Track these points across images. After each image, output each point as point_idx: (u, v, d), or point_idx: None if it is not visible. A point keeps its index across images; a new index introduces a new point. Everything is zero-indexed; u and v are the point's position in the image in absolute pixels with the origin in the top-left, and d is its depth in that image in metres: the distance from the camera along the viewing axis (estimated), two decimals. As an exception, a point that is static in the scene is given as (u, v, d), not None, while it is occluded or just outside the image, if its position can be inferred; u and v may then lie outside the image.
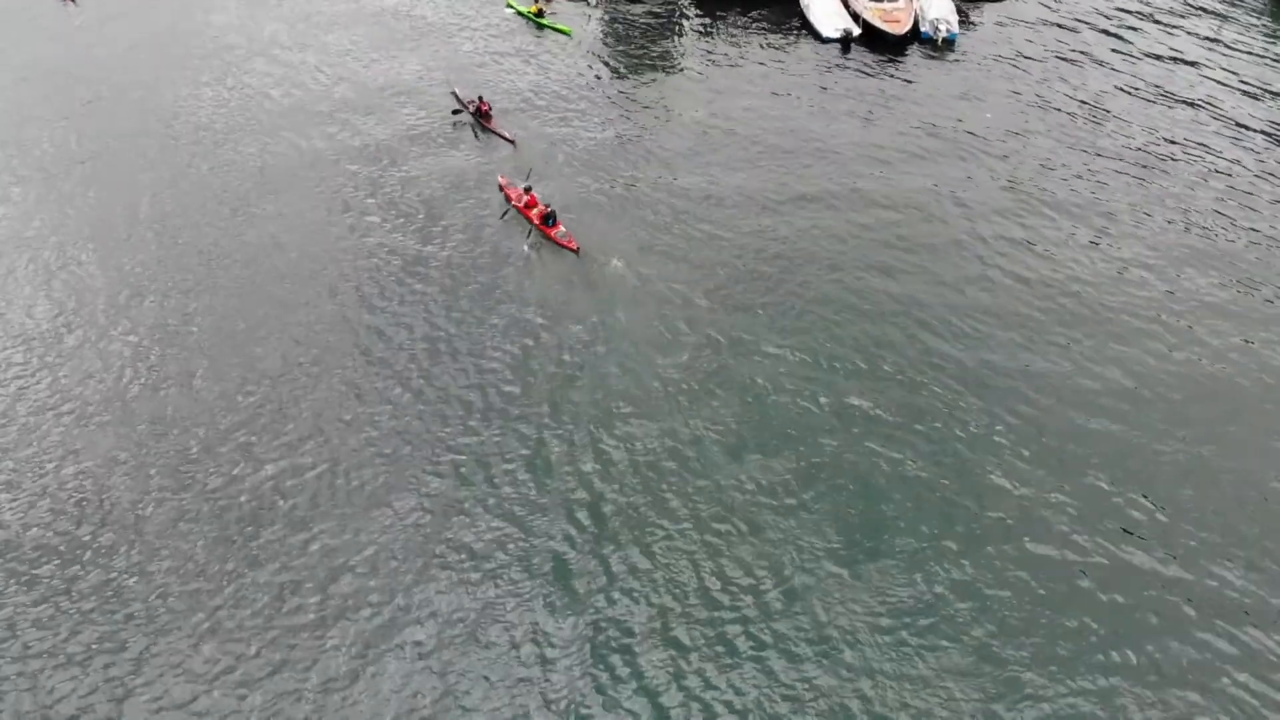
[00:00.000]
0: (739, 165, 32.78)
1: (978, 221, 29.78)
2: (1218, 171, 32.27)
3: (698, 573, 19.92)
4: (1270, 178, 31.88)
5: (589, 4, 43.40)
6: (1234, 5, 42.73)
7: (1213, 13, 42.06)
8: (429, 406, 23.66)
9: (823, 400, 23.63)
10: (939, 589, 19.30)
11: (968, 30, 40.15)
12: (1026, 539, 20.35)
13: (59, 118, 36.49)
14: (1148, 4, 42.78)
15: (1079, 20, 41.47)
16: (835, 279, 27.36)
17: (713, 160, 32.89)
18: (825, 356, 24.89)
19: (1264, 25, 41.24)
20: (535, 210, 28.76)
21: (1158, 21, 41.07)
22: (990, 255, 28.47)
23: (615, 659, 18.51)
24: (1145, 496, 21.28)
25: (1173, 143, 33.70)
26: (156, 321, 26.60)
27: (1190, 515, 20.82)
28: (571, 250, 27.82)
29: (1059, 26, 41.06)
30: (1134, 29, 40.79)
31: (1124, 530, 20.58)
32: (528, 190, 29.38)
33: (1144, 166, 32.56)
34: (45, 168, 33.61)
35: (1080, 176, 32.04)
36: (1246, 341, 25.22)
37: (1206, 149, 33.45)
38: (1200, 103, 36.04)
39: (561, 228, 28.45)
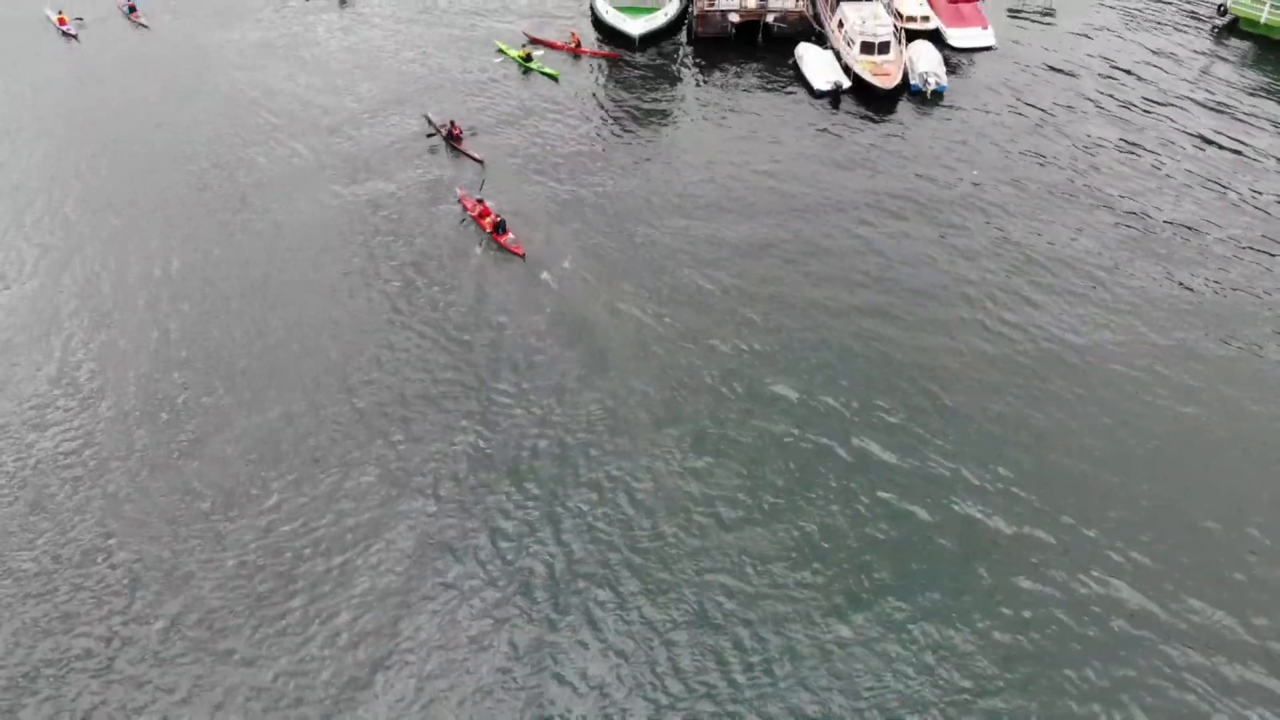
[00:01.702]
0: (699, 190, 34.36)
1: (960, 266, 30.27)
2: (1203, 223, 32.29)
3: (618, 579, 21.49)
4: (1251, 228, 32.15)
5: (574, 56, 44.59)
6: (1215, 58, 43.76)
7: (1196, 66, 42.74)
8: (377, 386, 26.45)
9: (724, 377, 25.98)
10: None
11: (956, 82, 40.65)
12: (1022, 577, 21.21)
13: (87, 160, 37.96)
14: (1133, 56, 43.10)
15: (1065, 72, 41.76)
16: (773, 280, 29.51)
17: (673, 184, 34.81)
18: (727, 322, 28.13)
19: (1245, 77, 42.14)
20: (488, 219, 31.62)
21: (1141, 77, 41.34)
22: (962, 295, 29.15)
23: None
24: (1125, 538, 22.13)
25: (1158, 193, 33.82)
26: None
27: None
28: (518, 255, 30.82)
29: (1046, 77, 41.37)
30: (1120, 80, 41.05)
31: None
32: (479, 201, 32.28)
33: (1132, 215, 32.67)
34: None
35: (1065, 226, 32.08)
36: (1220, 387, 26.22)
37: (1191, 197, 33.60)
38: (1182, 151, 36.14)
39: (510, 235, 31.30)
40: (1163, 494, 22.80)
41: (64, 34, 47.56)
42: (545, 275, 30.16)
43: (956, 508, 22.54)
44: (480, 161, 36.09)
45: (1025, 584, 20.94)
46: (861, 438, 24.50)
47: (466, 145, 36.79)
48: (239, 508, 23.22)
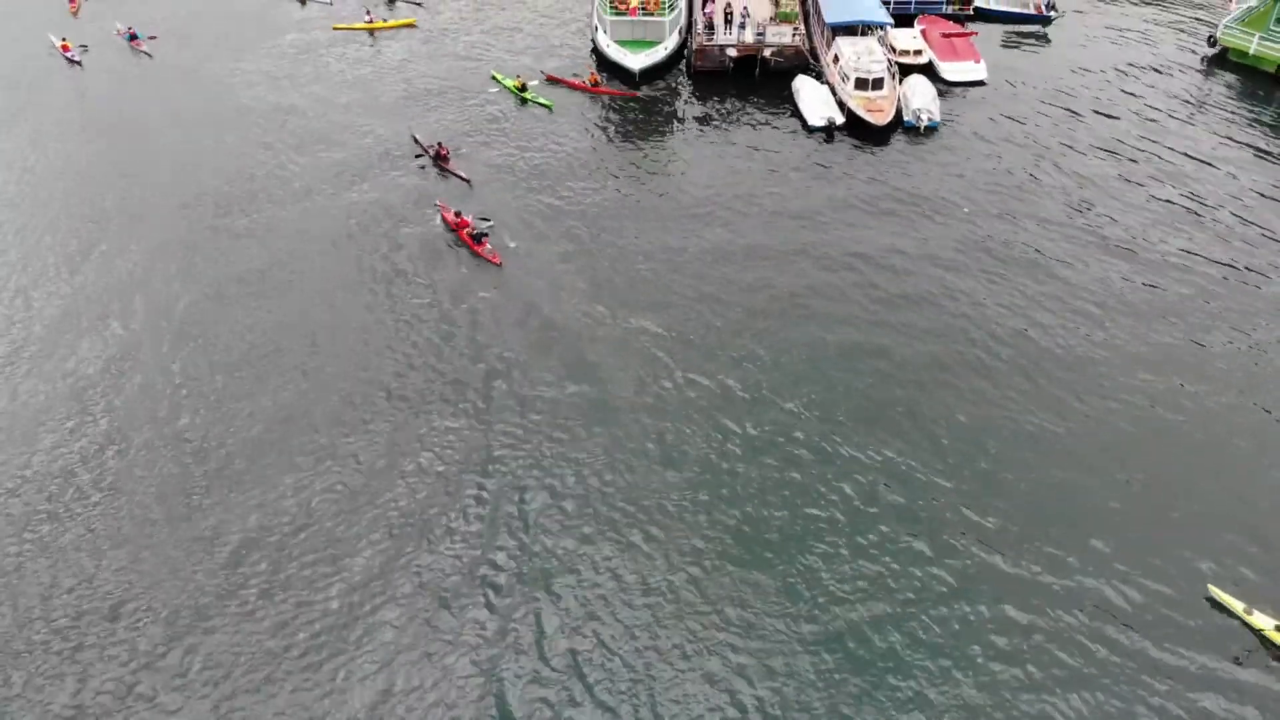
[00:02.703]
0: (683, 212, 35.72)
1: (950, 298, 31.13)
2: (1194, 255, 33.05)
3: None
4: (1238, 258, 32.87)
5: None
6: (1206, 89, 44.53)
7: (1186, 96, 43.17)
8: (352, 380, 28.64)
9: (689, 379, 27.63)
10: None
11: (949, 116, 41.18)
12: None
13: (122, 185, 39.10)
14: (1123, 86, 43.83)
15: (1056, 105, 42.37)
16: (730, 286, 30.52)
17: (656, 205, 36.25)
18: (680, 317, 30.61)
19: (1235, 107, 42.78)
20: (465, 230, 33.64)
21: (1131, 108, 41.77)
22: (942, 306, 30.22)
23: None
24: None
25: (1150, 225, 34.48)
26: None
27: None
28: (494, 264, 32.75)
29: (1038, 110, 41.96)
30: (1110, 112, 41.77)
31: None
32: (458, 214, 34.37)
33: (1123, 249, 33.36)
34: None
35: (1058, 259, 32.76)
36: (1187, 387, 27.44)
37: (1182, 228, 34.33)
38: (1173, 182, 36.95)
39: (488, 245, 33.27)
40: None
41: (68, 60, 48.23)
42: (512, 244, 33.52)
43: (967, 562, 23.20)
44: (468, 181, 37.52)
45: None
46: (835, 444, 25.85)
47: (454, 165, 38.26)
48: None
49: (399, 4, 53.07)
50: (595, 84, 43.33)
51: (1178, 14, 50.76)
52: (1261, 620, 21.31)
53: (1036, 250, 33.55)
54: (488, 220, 34.18)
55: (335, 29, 50.27)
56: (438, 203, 35.78)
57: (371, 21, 50.20)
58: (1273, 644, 21.09)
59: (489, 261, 33.01)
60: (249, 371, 29.17)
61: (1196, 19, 49.84)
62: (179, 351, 29.98)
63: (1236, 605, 21.67)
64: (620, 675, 20.92)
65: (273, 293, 32.40)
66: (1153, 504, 24.25)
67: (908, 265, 32.86)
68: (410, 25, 50.49)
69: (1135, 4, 51.70)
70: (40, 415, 27.87)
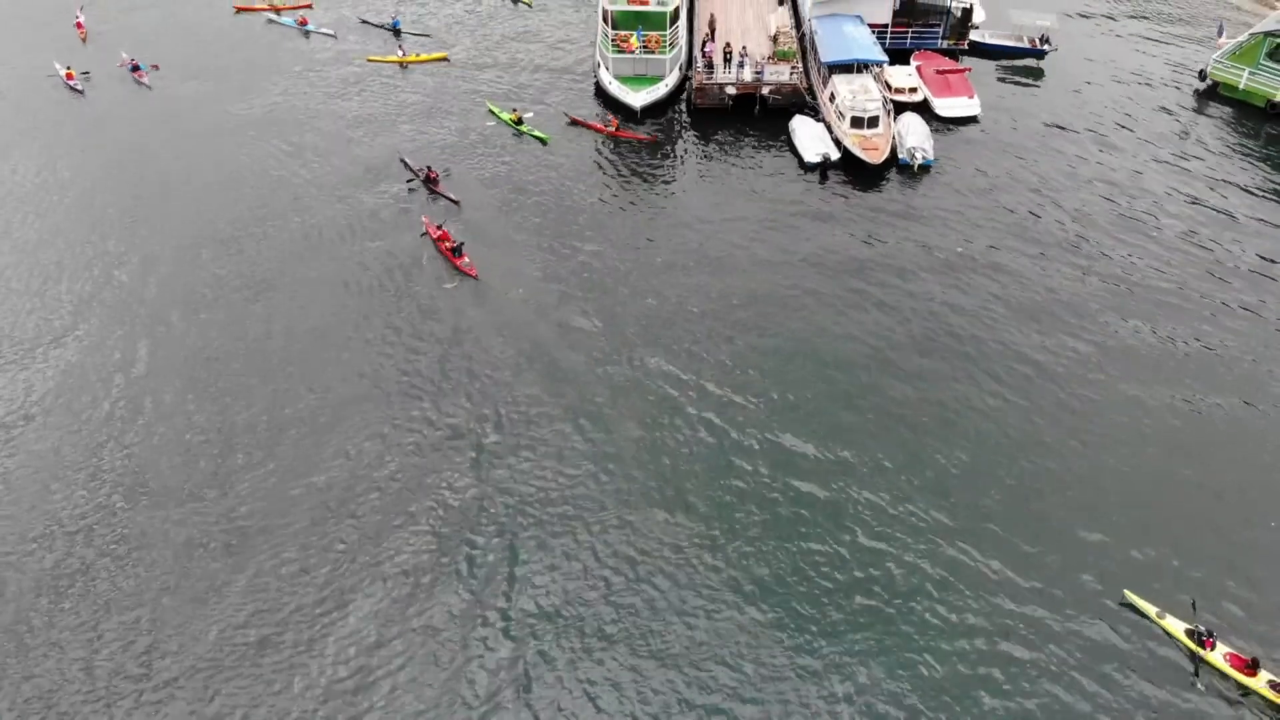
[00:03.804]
0: (669, 239, 37.31)
1: (942, 338, 32.18)
2: (1188, 288, 34.21)
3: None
4: (1230, 292, 34.03)
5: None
6: (1196, 123, 45.42)
7: (1177, 130, 44.06)
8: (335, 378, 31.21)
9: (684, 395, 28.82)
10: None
11: (943, 153, 41.99)
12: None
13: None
14: (1115, 121, 44.70)
15: (1048, 141, 43.20)
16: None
17: (641, 229, 38.02)
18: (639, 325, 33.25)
19: (1226, 141, 43.52)
20: (446, 244, 36.01)
21: (1122, 143, 42.73)
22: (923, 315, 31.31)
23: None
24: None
25: (1142, 259, 35.59)
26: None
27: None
28: (472, 276, 35.06)
29: (1029, 147, 42.80)
30: (1102, 147, 42.68)
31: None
32: (439, 227, 36.75)
33: (1117, 281, 34.51)
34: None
35: (1051, 297, 33.77)
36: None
37: (1175, 262, 35.51)
38: (1165, 216, 38.05)
39: (466, 258, 35.51)
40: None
41: (71, 88, 49.35)
42: (518, 291, 34.94)
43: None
44: (456, 202, 39.42)
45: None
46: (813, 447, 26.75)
47: (443, 187, 40.02)
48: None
49: (428, 39, 53.46)
50: (616, 128, 43.91)
51: (1170, 47, 51.65)
52: (1172, 624, 23.34)
53: (1031, 286, 34.60)
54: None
55: (369, 60, 50.95)
56: (423, 219, 37.76)
57: (404, 55, 51.17)
58: (1181, 644, 23.14)
59: (466, 274, 35.24)
60: (214, 379, 31.35)
61: (1188, 53, 50.71)
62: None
63: (1150, 609, 23.72)
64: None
65: (241, 303, 34.81)
66: (1086, 518, 26.28)
67: (898, 302, 33.82)
68: (443, 59, 50.97)
69: (1128, 37, 52.57)
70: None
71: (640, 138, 43.89)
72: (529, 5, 57.09)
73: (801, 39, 49.09)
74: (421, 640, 23.77)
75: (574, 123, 44.86)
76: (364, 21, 55.12)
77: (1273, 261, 35.94)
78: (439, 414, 29.85)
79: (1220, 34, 48.91)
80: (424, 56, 51.16)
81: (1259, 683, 22.05)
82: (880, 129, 41.92)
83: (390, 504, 27.16)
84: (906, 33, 49.40)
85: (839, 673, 22.74)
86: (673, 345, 32.25)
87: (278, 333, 33.33)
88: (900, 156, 41.48)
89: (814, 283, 35.00)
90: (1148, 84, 48.15)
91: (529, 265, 36.11)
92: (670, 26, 45.86)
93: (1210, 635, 22.66)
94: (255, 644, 23.78)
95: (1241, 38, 46.68)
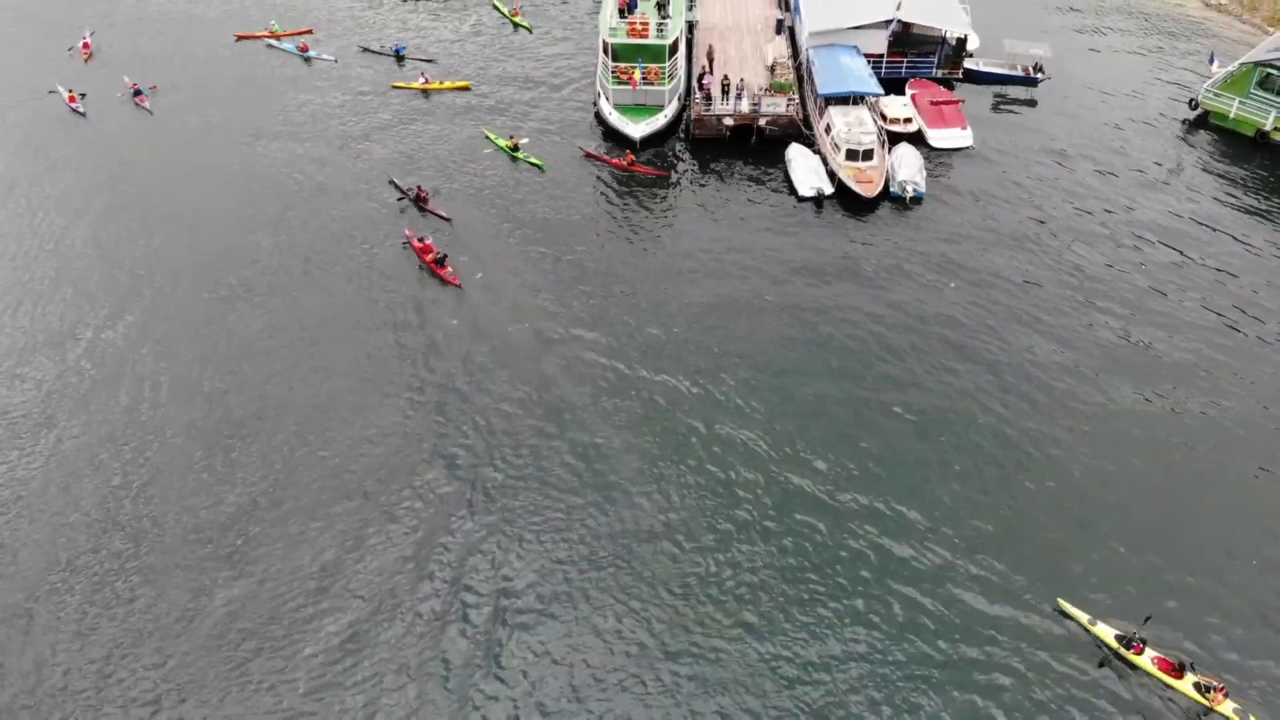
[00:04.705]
0: (657, 263, 38.66)
1: (934, 372, 32.87)
2: (1180, 320, 35.17)
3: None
4: (1221, 330, 34.94)
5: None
6: (1187, 152, 45.99)
7: (1169, 159, 44.75)
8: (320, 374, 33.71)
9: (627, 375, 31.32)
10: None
11: (935, 185, 42.61)
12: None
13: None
14: (1106, 150, 45.36)
15: (1040, 171, 43.86)
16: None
17: (635, 257, 39.13)
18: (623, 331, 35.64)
19: (1216, 170, 44.15)
20: (430, 255, 37.92)
21: (1114, 171, 43.58)
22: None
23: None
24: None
25: (1133, 291, 36.48)
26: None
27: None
28: (454, 285, 37.11)
29: (1022, 177, 43.42)
30: (1093, 177, 43.35)
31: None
32: (421, 239, 38.58)
33: (1109, 313, 35.45)
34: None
35: (1041, 333, 34.48)
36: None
37: (1166, 293, 36.42)
38: (1157, 246, 38.93)
39: (449, 269, 37.50)
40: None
41: (73, 110, 50.11)
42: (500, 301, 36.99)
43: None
44: (448, 220, 40.83)
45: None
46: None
47: (434, 206, 41.39)
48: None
49: (433, 64, 53.86)
50: (631, 163, 44.35)
51: (1163, 75, 52.27)
52: (1103, 630, 25.11)
53: (1022, 320, 35.46)
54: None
55: (394, 87, 51.54)
56: (406, 231, 39.59)
57: (427, 83, 51.51)
58: (1111, 649, 24.94)
59: (449, 283, 37.16)
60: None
61: (1180, 82, 51.36)
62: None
63: (1083, 617, 25.48)
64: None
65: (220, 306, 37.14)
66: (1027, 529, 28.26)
67: (891, 339, 34.61)
68: (465, 89, 51.26)
69: (1121, 66, 53.18)
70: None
71: (654, 173, 44.36)
72: (529, 30, 57.69)
73: (799, 68, 49.75)
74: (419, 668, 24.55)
75: (589, 157, 45.29)
76: (364, 49, 55.72)
77: (1256, 290, 36.92)
78: (437, 456, 30.81)
79: (1211, 63, 49.55)
80: (447, 84, 51.56)
81: (1185, 685, 23.89)
82: (874, 161, 42.60)
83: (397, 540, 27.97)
84: (902, 62, 50.07)
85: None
86: (661, 361, 33.95)
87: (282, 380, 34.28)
88: (892, 189, 42.16)
89: (802, 311, 35.98)
90: (1140, 113, 48.79)
91: (518, 278, 37.88)
92: (670, 58, 46.54)
93: (1141, 641, 24.43)
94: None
95: (1231, 67, 47.37)
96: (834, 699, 23.97)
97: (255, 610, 26.32)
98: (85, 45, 56.32)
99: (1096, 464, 29.97)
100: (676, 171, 45.18)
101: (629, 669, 24.76)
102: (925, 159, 44.13)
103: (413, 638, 25.59)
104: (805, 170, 43.14)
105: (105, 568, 27.61)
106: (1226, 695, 23.54)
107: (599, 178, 44.37)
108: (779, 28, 52.59)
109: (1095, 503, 28.80)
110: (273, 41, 56.65)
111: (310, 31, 57.74)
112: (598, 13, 52.66)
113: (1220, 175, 44.11)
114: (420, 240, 38.64)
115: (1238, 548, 27.39)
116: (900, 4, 47.93)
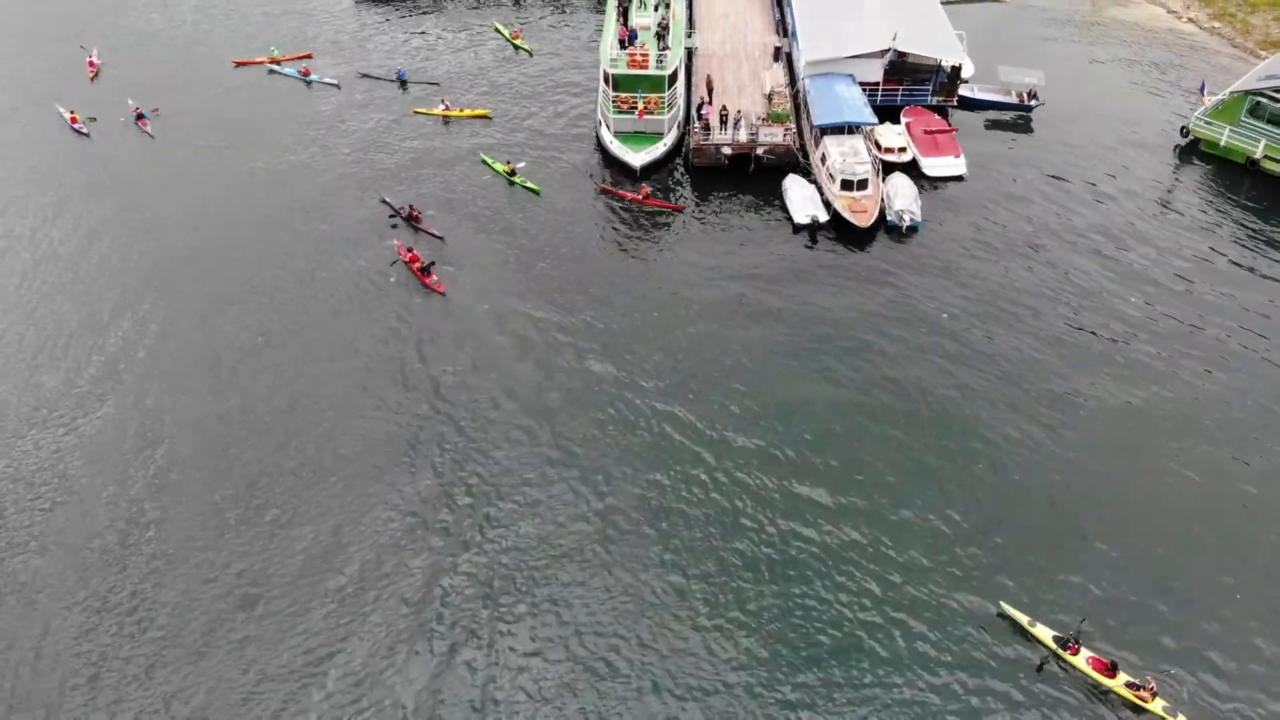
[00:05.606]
0: (645, 288, 39.66)
1: (929, 400, 33.75)
2: (1175, 346, 36.11)
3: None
4: (1212, 350, 35.96)
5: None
6: (1178, 179, 46.72)
7: (1160, 187, 45.40)
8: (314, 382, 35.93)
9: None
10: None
11: (930, 214, 43.15)
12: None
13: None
14: (1099, 176, 45.98)
15: (1034, 199, 44.48)
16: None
17: (628, 278, 40.30)
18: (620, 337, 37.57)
19: (1206, 197, 44.77)
20: (416, 264, 39.97)
21: (1106, 199, 44.29)
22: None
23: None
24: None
25: (1125, 319, 37.28)
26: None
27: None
28: (439, 293, 38.95)
29: (1015, 205, 44.03)
30: (1085, 204, 43.98)
31: None
32: (409, 250, 40.69)
33: (1105, 339, 36.31)
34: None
35: (1037, 361, 35.35)
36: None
37: (1160, 320, 37.35)
38: (1149, 271, 39.75)
39: (434, 276, 39.54)
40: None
41: (76, 131, 50.74)
42: (485, 307, 38.89)
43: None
44: (440, 238, 42.25)
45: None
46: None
47: (426, 224, 42.89)
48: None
49: (436, 86, 54.48)
50: (646, 196, 44.72)
51: (1155, 103, 52.80)
52: (1042, 631, 26.68)
53: (1018, 352, 36.29)
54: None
55: (416, 112, 52.15)
56: (395, 241, 41.55)
57: (448, 109, 52.00)
58: (1049, 649, 26.54)
59: (434, 290, 39.03)
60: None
61: (1172, 109, 51.90)
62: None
63: (1023, 619, 27.05)
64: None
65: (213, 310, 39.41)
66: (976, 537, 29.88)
67: (884, 370, 35.37)
68: (484, 116, 51.68)
69: (1114, 94, 53.75)
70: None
71: (669, 206, 44.79)
72: (530, 53, 58.29)
73: (796, 95, 50.38)
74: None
75: (604, 191, 45.58)
76: (364, 75, 56.25)
77: (1247, 318, 37.89)
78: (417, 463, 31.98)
79: (1202, 91, 50.16)
80: (467, 112, 51.96)
81: (1117, 683, 25.45)
82: (869, 191, 43.21)
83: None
84: (898, 89, 50.69)
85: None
86: (648, 377, 35.69)
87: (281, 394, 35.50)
88: (888, 219, 42.77)
89: (796, 341, 36.77)
90: (1133, 140, 49.35)
91: (509, 290, 39.68)
92: (669, 88, 47.17)
93: (1076, 641, 25.96)
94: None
95: (1222, 95, 47.97)
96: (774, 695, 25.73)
97: (241, 609, 28.40)
98: (91, 64, 56.86)
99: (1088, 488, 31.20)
100: (676, 198, 45.82)
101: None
102: (920, 187, 44.71)
103: (383, 660, 26.94)
104: (801, 199, 43.76)
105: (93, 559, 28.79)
106: (1155, 694, 24.95)
107: (595, 204, 45.00)
108: (777, 55, 53.24)
109: (1084, 519, 30.28)
110: (274, 66, 57.20)
111: (310, 55, 58.27)
112: (598, 37, 53.29)
113: (1211, 203, 44.76)
114: (409, 250, 40.56)
115: (1184, 559, 29.20)
116: (896, 34, 48.52)
